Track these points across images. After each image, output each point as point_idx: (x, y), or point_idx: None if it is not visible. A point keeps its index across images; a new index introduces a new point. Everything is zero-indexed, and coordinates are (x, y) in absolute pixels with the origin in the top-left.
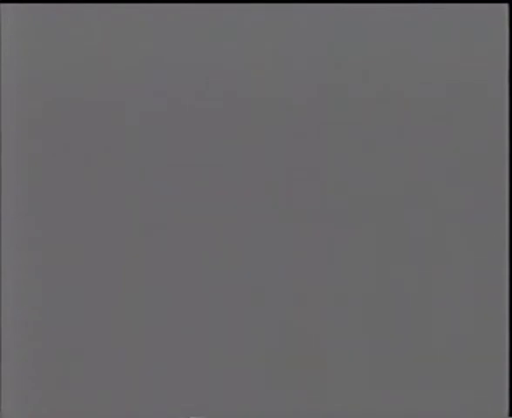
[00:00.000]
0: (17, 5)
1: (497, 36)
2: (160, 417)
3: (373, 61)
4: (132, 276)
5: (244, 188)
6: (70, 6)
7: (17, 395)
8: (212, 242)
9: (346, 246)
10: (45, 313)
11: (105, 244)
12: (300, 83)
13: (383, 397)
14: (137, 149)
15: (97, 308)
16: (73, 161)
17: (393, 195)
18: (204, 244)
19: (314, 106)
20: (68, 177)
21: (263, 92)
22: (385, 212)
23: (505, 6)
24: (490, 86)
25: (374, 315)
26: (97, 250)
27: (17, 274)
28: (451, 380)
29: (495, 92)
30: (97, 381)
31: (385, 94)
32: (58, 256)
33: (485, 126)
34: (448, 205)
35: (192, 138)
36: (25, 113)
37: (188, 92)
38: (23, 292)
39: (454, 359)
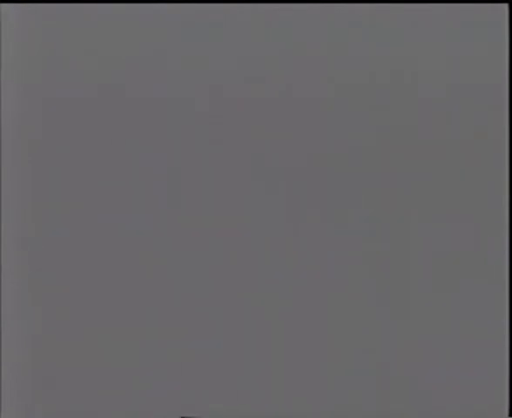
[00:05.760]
0: (17, 5)
1: (497, 36)
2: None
3: (372, 61)
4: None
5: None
6: (70, 6)
7: (17, 396)
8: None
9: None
10: (45, 315)
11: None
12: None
13: (383, 397)
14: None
15: (96, 311)
16: (73, 160)
17: (392, 195)
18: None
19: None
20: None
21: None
22: (384, 210)
23: (505, 6)
24: (490, 86)
25: (374, 314)
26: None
27: (18, 278)
28: (451, 380)
29: (494, 92)
30: (97, 382)
31: (385, 94)
32: (58, 256)
33: (485, 126)
34: (447, 205)
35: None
36: (25, 112)
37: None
38: (23, 295)
39: (454, 359)
